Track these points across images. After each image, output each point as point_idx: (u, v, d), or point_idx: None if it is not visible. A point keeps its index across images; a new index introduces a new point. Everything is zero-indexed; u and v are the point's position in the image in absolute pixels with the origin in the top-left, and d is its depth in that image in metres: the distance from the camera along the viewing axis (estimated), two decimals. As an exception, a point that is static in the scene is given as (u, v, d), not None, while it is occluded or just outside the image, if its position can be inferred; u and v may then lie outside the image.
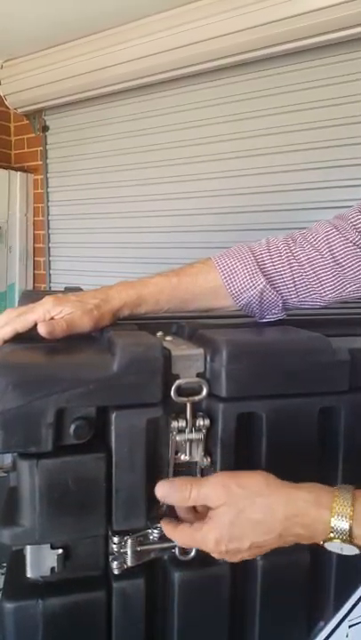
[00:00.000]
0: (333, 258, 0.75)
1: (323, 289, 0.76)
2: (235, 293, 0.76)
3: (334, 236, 0.75)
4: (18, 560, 0.64)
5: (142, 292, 0.73)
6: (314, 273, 0.75)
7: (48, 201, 3.17)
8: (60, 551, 0.60)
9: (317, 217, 0.85)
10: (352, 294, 0.77)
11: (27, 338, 0.68)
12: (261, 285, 0.75)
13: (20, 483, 0.58)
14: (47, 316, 0.68)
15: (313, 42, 2.03)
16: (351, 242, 0.74)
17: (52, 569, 0.60)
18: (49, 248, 3.20)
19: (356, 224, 0.75)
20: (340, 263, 0.75)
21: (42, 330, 0.66)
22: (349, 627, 0.66)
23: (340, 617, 0.67)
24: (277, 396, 0.63)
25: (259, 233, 2.29)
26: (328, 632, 0.66)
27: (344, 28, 1.92)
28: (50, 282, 3.22)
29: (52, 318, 0.68)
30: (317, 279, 0.76)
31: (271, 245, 0.77)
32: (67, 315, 0.68)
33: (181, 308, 0.77)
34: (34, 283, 3.26)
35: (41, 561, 0.60)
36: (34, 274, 3.26)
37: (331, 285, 0.76)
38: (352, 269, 0.75)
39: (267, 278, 0.75)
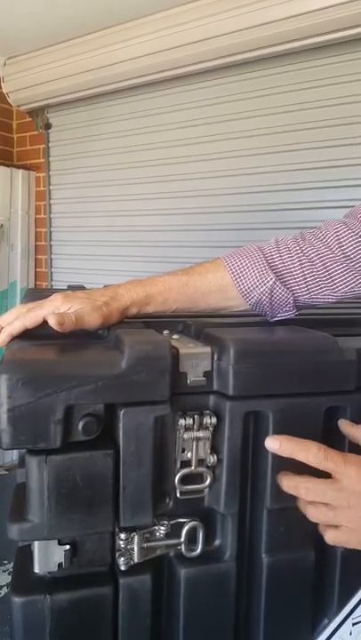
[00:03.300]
0: (343, 252, 0.74)
1: (334, 283, 0.75)
2: (244, 291, 0.75)
3: (344, 231, 0.75)
4: (24, 556, 0.65)
5: (151, 291, 0.73)
6: (324, 267, 0.75)
7: (50, 199, 3.17)
8: (68, 547, 0.61)
9: (319, 216, 0.85)
10: None
11: (35, 335, 0.68)
12: (271, 282, 0.74)
13: (29, 479, 0.58)
14: (56, 312, 0.68)
15: (310, 42, 2.05)
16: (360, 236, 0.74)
17: (60, 564, 0.61)
18: (51, 246, 3.20)
19: None
20: (351, 257, 0.74)
21: (51, 320, 0.65)
22: (353, 625, 0.67)
23: (344, 615, 0.67)
24: (284, 395, 0.63)
25: (263, 232, 2.30)
26: (332, 630, 0.67)
27: (343, 29, 1.94)
28: (51, 280, 3.22)
29: None
30: (328, 274, 0.75)
31: (280, 244, 0.77)
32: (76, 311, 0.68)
33: (190, 307, 0.77)
34: (35, 280, 3.26)
35: (49, 556, 0.61)
36: (35, 272, 3.26)
37: (342, 279, 0.75)
38: None
39: (276, 275, 0.75)
